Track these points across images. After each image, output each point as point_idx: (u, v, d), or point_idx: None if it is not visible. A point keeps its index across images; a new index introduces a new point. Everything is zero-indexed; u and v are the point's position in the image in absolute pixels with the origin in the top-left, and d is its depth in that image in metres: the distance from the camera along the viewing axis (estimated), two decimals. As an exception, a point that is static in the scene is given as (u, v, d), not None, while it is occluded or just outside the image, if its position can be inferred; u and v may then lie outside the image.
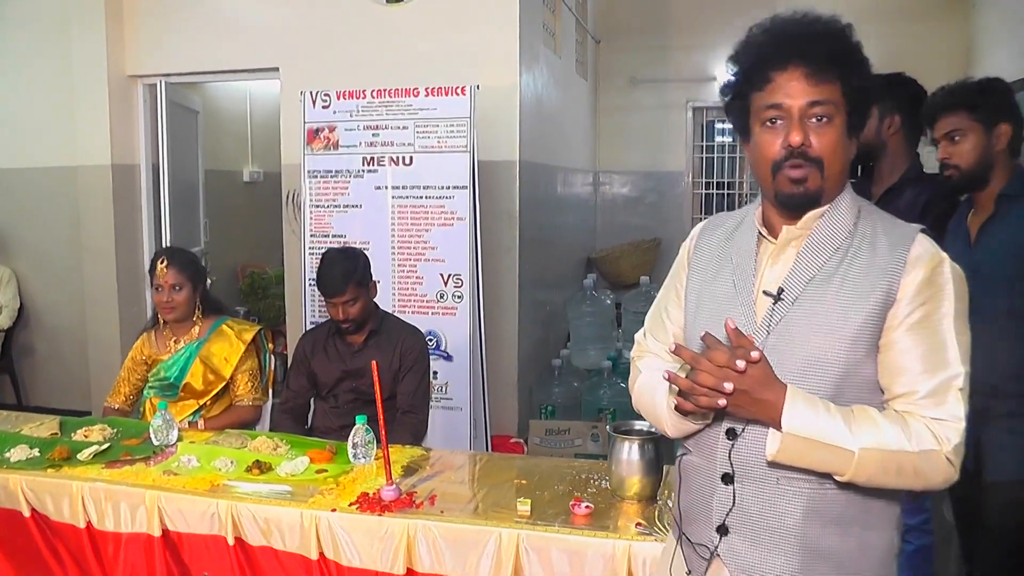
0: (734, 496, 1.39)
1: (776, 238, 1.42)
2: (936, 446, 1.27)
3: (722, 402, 1.29)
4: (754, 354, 1.27)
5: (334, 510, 2.11)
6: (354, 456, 2.41)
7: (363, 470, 2.36)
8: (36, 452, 2.52)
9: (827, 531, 1.35)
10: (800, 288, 1.37)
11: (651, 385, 1.53)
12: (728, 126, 6.37)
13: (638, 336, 1.67)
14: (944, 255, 1.35)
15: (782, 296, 1.37)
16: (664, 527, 1.96)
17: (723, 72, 1.55)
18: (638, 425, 2.22)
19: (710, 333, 1.33)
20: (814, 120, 1.33)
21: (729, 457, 1.39)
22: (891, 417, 1.30)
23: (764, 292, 1.40)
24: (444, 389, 3.99)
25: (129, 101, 5.23)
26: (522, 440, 4.49)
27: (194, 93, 5.77)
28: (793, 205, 1.37)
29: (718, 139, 7.17)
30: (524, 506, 2.07)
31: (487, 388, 4.11)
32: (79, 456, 2.47)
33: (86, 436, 2.66)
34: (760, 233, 1.45)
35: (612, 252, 6.79)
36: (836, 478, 1.30)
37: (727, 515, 1.40)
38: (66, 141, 5.23)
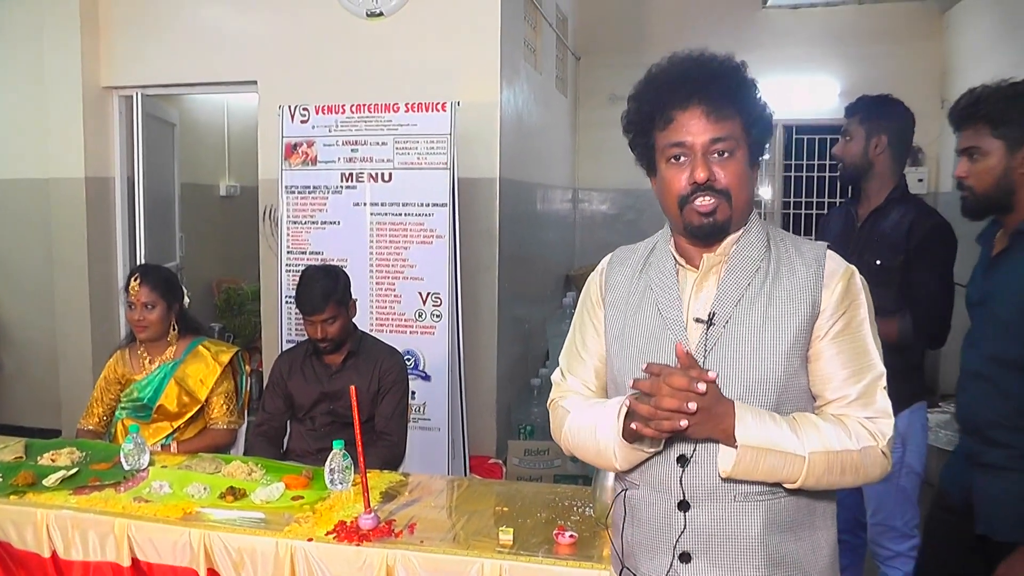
0: (693, 522, 1.40)
1: (693, 267, 1.47)
2: (873, 442, 1.37)
3: (684, 423, 1.30)
4: (711, 374, 1.32)
5: (311, 539, 2.05)
6: (331, 482, 2.35)
7: (340, 496, 2.31)
8: None
9: (784, 538, 1.40)
10: (730, 311, 1.41)
11: (589, 425, 1.49)
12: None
13: (555, 378, 1.67)
14: (852, 267, 1.44)
15: (714, 320, 1.41)
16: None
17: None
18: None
19: (653, 362, 1.36)
20: (716, 155, 1.38)
21: (682, 483, 1.40)
22: (829, 420, 1.39)
23: (695, 319, 1.43)
24: (422, 409, 3.94)
25: (104, 113, 5.14)
26: (500, 461, 4.45)
27: (171, 105, 5.70)
28: (703, 235, 1.42)
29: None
30: (506, 535, 2.02)
31: (465, 408, 4.06)
32: (45, 482, 2.39)
33: (53, 460, 2.58)
34: (679, 263, 1.49)
35: (591, 269, 6.74)
36: (787, 486, 1.37)
37: (688, 542, 1.41)
38: (39, 153, 5.13)
